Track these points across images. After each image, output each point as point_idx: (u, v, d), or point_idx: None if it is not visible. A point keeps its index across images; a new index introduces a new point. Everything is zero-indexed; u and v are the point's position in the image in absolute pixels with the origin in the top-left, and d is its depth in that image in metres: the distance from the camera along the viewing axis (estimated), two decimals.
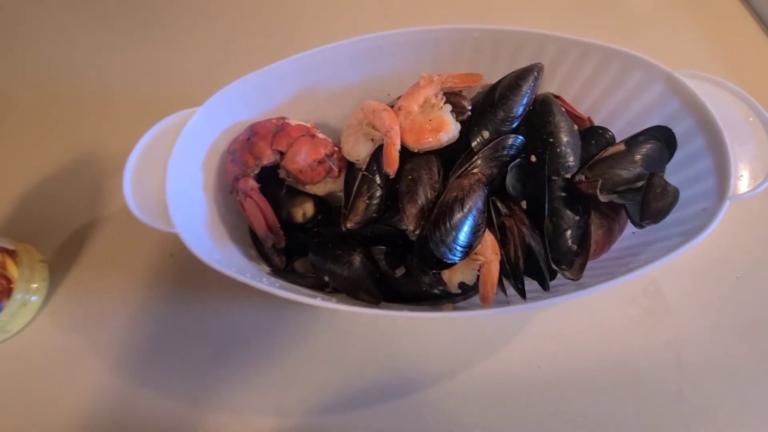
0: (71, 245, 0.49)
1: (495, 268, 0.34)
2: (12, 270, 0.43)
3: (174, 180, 0.36)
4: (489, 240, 0.35)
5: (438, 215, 0.33)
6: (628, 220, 0.39)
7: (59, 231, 0.50)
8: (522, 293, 0.35)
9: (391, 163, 0.37)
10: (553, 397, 0.40)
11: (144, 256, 0.48)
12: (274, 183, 0.43)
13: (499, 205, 0.37)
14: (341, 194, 0.42)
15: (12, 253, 0.44)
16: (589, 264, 0.39)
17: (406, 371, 0.42)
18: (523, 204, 0.37)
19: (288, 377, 0.42)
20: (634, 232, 0.40)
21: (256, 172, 0.40)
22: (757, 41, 0.59)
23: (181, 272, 0.47)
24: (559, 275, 0.37)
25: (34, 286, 0.45)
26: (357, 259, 0.38)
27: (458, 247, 0.33)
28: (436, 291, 0.38)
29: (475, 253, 0.34)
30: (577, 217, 0.37)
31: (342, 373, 0.42)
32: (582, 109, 0.43)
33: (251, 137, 0.40)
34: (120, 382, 0.43)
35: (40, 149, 0.54)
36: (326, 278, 0.39)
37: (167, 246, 0.48)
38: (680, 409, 0.40)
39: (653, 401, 0.40)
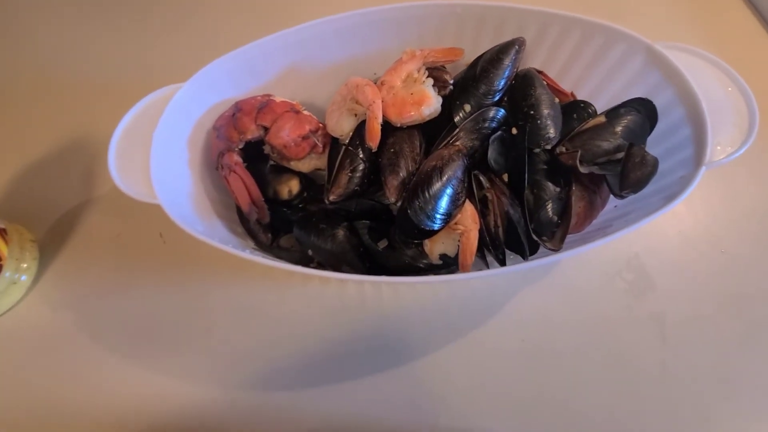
0: (62, 226, 0.49)
1: (474, 236, 0.34)
2: (1, 248, 0.43)
3: (159, 152, 0.36)
4: (469, 210, 0.35)
5: (417, 183, 0.34)
6: (610, 194, 0.39)
7: (50, 212, 0.50)
8: (502, 263, 0.35)
9: (373, 137, 0.37)
10: (537, 371, 0.40)
11: (133, 235, 0.48)
12: (260, 161, 0.43)
13: (481, 178, 0.37)
14: (326, 172, 0.42)
15: (2, 231, 0.44)
16: (572, 237, 0.39)
17: (390, 346, 0.42)
18: (505, 177, 0.38)
19: (276, 354, 0.43)
20: (616, 206, 0.40)
21: (240, 147, 0.40)
22: (736, 12, 0.59)
23: (171, 251, 0.48)
24: (541, 249, 0.37)
25: (24, 265, 0.46)
26: (341, 233, 0.39)
27: (438, 215, 0.33)
28: (419, 264, 0.39)
29: (455, 223, 0.34)
30: (558, 189, 0.38)
31: (329, 349, 0.43)
32: (565, 85, 0.43)
33: (236, 113, 0.40)
34: (110, 362, 0.43)
35: (32, 132, 0.55)
36: (310, 252, 0.39)
37: (156, 225, 0.48)
38: (663, 381, 0.40)
39: (636, 374, 0.40)
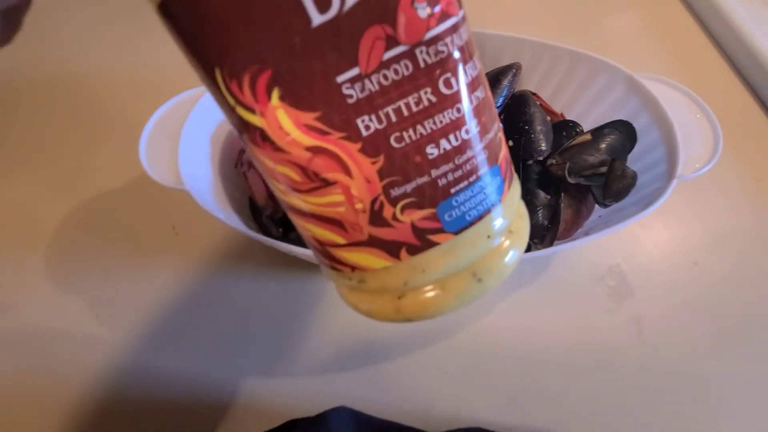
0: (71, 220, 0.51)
1: None
2: None
3: (186, 146, 0.39)
4: None
5: None
6: (595, 205, 0.44)
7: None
8: None
9: None
10: (520, 373, 0.43)
11: (145, 229, 0.50)
12: None
13: None
14: None
15: None
16: (560, 243, 0.43)
17: (375, 341, 0.44)
18: None
19: (288, 347, 0.44)
20: (600, 216, 0.44)
21: None
22: (708, 54, 0.67)
23: (183, 244, 0.50)
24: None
25: None
26: None
27: None
28: None
29: None
30: (548, 197, 0.42)
31: (327, 342, 0.44)
32: (556, 107, 0.48)
33: None
34: (114, 341, 0.44)
35: (53, 130, 0.58)
36: None
37: (168, 218, 0.51)
38: (643, 382, 0.43)
39: (617, 375, 0.43)
